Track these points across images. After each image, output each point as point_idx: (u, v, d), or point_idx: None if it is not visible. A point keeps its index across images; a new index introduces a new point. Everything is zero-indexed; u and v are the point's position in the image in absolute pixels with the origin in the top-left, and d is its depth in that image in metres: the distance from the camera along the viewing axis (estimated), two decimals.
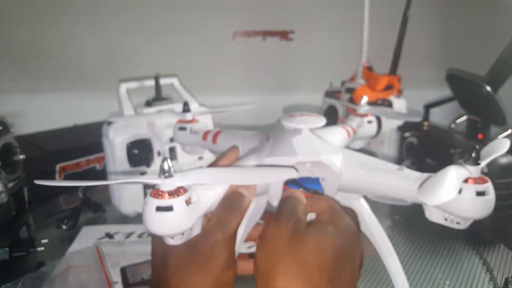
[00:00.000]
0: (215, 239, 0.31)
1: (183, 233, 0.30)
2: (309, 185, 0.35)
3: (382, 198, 0.35)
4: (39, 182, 0.29)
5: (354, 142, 0.58)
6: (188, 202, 0.29)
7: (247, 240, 0.36)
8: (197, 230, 0.32)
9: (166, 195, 0.28)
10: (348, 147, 0.53)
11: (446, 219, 0.32)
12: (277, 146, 0.37)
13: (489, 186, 0.30)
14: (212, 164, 0.38)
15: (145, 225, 0.29)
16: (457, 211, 0.30)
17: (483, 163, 0.30)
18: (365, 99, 0.58)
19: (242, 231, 0.35)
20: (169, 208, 0.28)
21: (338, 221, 0.31)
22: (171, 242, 0.30)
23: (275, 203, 0.36)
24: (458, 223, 0.31)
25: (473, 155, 0.30)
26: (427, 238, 0.61)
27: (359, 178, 0.35)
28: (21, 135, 0.84)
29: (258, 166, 0.36)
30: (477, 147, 0.30)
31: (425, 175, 0.32)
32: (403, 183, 0.33)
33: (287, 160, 0.35)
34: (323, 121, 0.37)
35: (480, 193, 0.29)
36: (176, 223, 0.28)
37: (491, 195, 0.30)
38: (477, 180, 0.30)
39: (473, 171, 0.30)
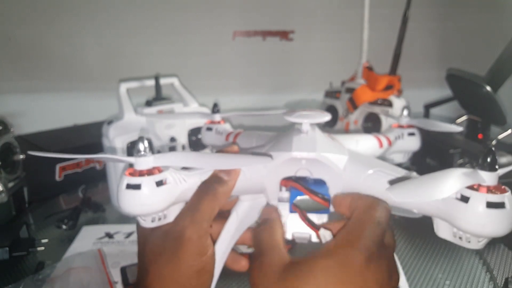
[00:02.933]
0: (182, 224, 0.30)
1: (159, 217, 0.30)
2: (315, 188, 0.33)
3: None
4: (33, 153, 0.30)
5: (392, 155, 0.53)
6: (163, 183, 0.28)
7: (239, 242, 0.35)
8: (171, 217, 0.31)
9: (138, 174, 0.28)
10: (384, 158, 0.49)
11: (455, 236, 0.28)
12: (278, 143, 0.36)
13: (507, 197, 0.25)
14: None
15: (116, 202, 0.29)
16: (464, 225, 0.25)
17: (503, 170, 0.26)
18: (406, 112, 0.53)
19: (233, 229, 0.34)
20: (137, 186, 0.28)
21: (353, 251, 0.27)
22: (142, 223, 0.30)
23: (273, 202, 0.34)
24: (469, 241, 0.27)
25: (489, 159, 0.25)
26: (427, 238, 0.61)
27: (363, 182, 0.32)
28: (21, 135, 0.84)
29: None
30: (493, 148, 0.25)
31: None
32: None
33: (281, 155, 0.33)
34: (326, 116, 0.35)
35: (492, 205, 0.24)
36: (143, 202, 0.28)
37: (508, 209, 0.24)
38: (491, 189, 0.25)
39: (487, 177, 0.25)
